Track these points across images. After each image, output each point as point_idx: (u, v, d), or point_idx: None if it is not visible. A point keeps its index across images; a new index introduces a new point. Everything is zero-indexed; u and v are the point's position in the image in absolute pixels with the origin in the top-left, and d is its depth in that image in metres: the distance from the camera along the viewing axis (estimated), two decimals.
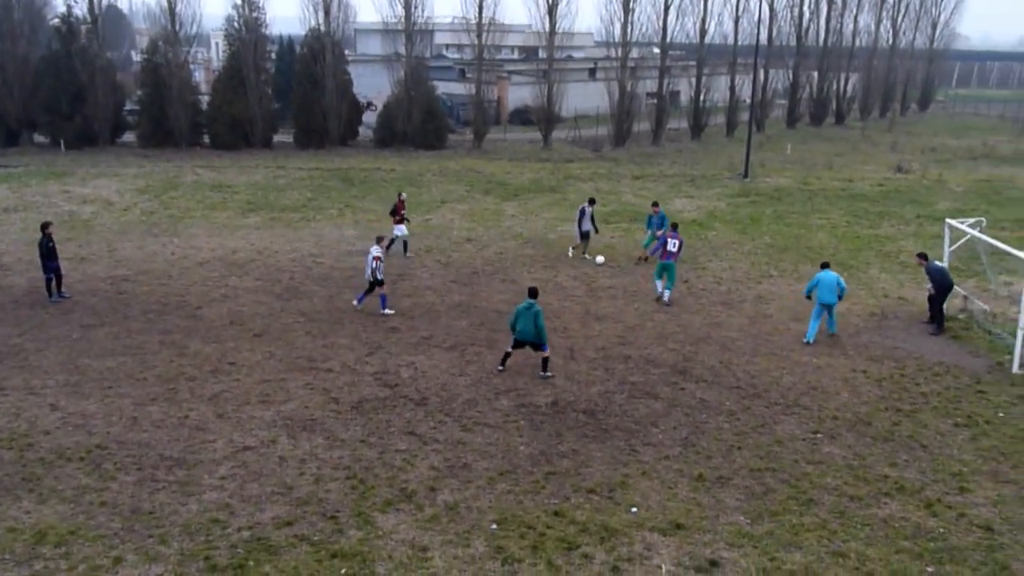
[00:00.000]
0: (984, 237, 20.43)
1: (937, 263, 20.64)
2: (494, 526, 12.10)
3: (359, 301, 21.15)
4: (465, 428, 15.06)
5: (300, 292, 22.82)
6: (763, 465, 13.93)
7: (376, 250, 20.84)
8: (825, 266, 20.23)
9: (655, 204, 27.47)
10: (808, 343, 19.36)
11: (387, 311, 20.94)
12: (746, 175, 43.39)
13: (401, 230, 26.39)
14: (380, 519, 12.24)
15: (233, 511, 12.40)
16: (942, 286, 20.15)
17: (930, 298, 20.60)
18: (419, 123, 52.44)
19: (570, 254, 26.68)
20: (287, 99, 53.75)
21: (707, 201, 36.96)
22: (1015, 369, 17.89)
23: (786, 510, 12.64)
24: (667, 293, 22.22)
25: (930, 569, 11.30)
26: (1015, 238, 29.18)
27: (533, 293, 17.36)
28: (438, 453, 14.14)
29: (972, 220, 21.78)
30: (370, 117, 56.43)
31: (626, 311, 21.70)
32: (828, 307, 19.72)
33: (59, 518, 12.15)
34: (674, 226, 23.16)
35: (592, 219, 26.44)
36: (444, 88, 59.28)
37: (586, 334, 19.91)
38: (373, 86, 57.72)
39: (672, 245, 22.28)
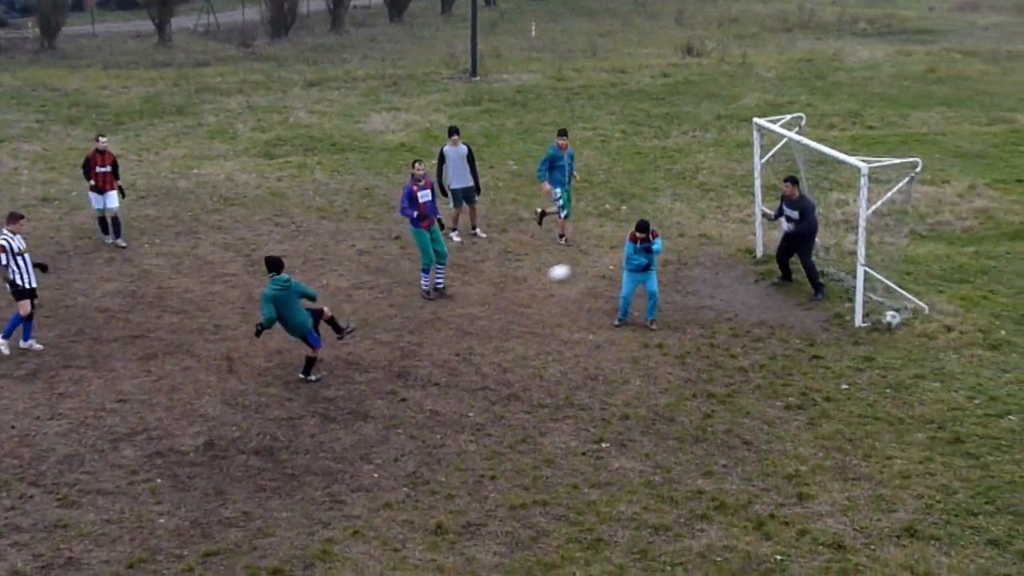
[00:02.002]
0: (806, 140, 22.20)
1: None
2: None
3: (25, 338, 19.44)
4: (65, 502, 14.57)
5: None
6: (529, 498, 14.51)
7: (3, 237, 19.20)
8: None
9: (563, 133, 24.89)
10: (620, 320, 20.04)
11: (27, 343, 19.42)
12: (475, 72, 44.53)
13: (103, 202, 24.36)
14: None
15: None
16: (814, 228, 21.31)
17: (788, 245, 21.50)
18: None
19: (455, 238, 24.58)
20: None
21: (420, 115, 37.69)
22: (858, 322, 19.78)
23: (566, 559, 13.25)
24: (439, 275, 21.58)
25: None
26: (847, 138, 32.20)
27: (275, 264, 17.37)
28: (22, 548, 13.59)
29: (789, 117, 23.59)
30: None
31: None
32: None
33: None
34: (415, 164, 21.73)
35: (473, 164, 24.81)
36: None
37: (251, 332, 19.69)
38: None
39: (425, 195, 21.15)
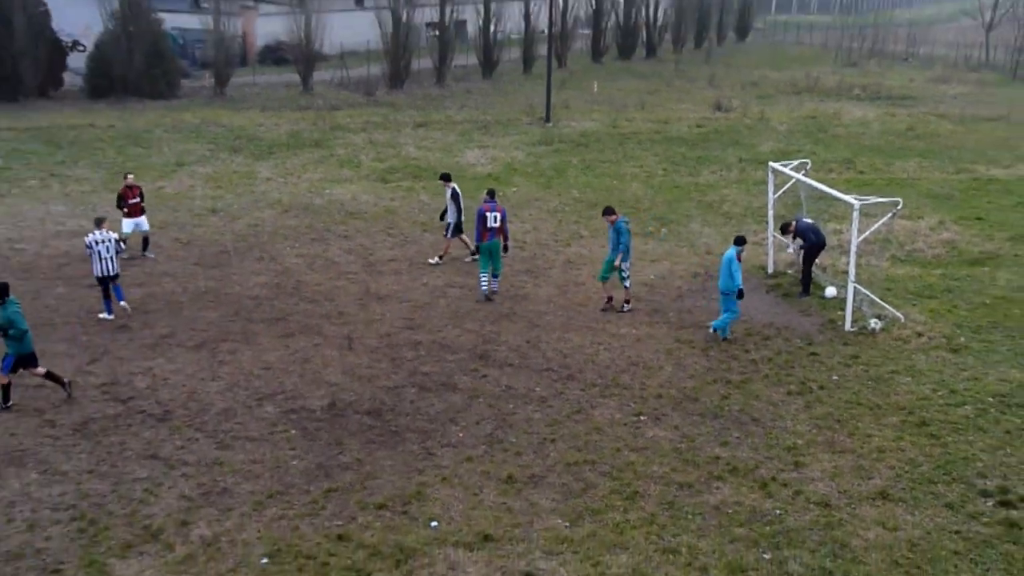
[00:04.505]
0: (810, 181, 22.04)
1: (806, 220, 21.74)
2: (265, 560, 11.99)
3: (120, 298, 19.86)
4: (222, 444, 14.76)
5: None
6: (581, 458, 14.48)
7: (90, 236, 19.67)
8: (738, 242, 19.06)
9: (609, 211, 20.52)
10: (723, 338, 18.98)
11: (103, 315, 19.83)
12: (548, 119, 44.56)
13: (136, 226, 23.73)
14: (119, 567, 11.82)
15: None
16: (816, 244, 21.26)
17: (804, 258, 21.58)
18: (143, 66, 50.21)
19: (434, 261, 23.60)
20: None
21: (504, 151, 37.73)
22: (847, 327, 19.49)
23: (609, 507, 13.22)
24: (495, 282, 21.33)
25: (767, 556, 12.20)
26: (842, 180, 31.77)
27: (4, 290, 15.81)
28: (189, 478, 13.78)
29: (796, 162, 23.39)
30: (77, 60, 53.40)
31: (414, 288, 21.86)
32: (721, 295, 19.06)
33: None
34: (491, 193, 21.75)
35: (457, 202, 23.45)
36: (173, 21, 56.95)
37: (366, 318, 19.92)
38: (79, 20, 54.49)
39: (493, 219, 20.88)
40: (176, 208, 28.28)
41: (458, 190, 23.62)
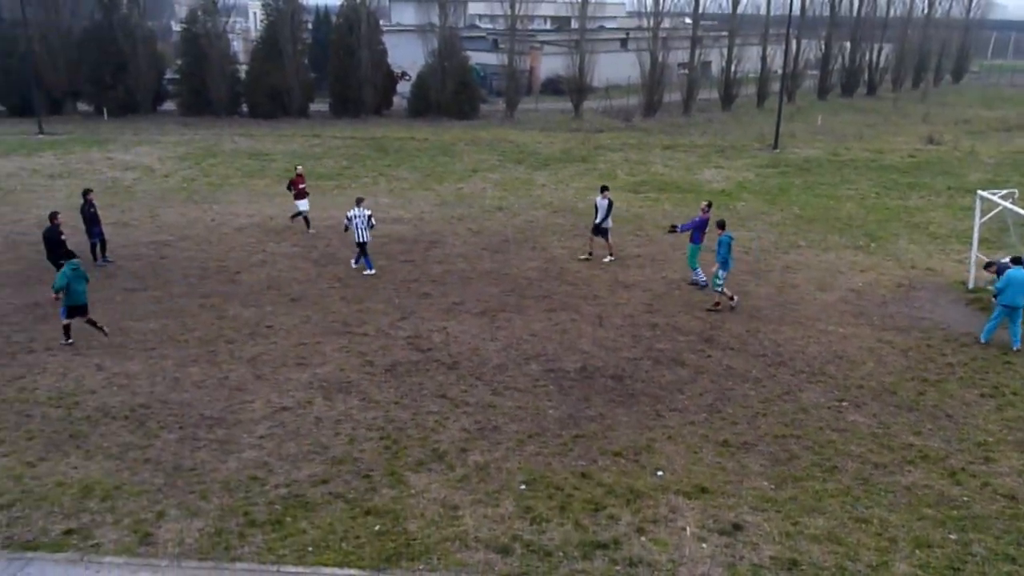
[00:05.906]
0: (1017, 209, 20.02)
1: (1004, 260, 19.43)
2: (523, 486, 12.20)
3: (368, 267, 21.63)
4: (495, 392, 15.14)
5: (336, 258, 22.96)
6: (788, 432, 13.89)
7: (351, 212, 21.60)
8: (1016, 262, 17.47)
9: (721, 225, 19.53)
10: (982, 342, 17.59)
11: (365, 269, 21.54)
12: (776, 146, 42.85)
13: (303, 205, 25.24)
14: (412, 478, 12.39)
15: (271, 469, 12.61)
16: None
17: None
18: (452, 93, 52.25)
19: (606, 260, 22.96)
20: (323, 69, 53.81)
21: (736, 172, 36.59)
22: None
23: (810, 476, 12.61)
24: (699, 272, 20.97)
25: (952, 536, 11.25)
26: None
27: (70, 254, 17.06)
28: (469, 415, 14.24)
29: (1004, 191, 21.31)
30: (404, 87, 56.31)
31: (654, 279, 21.62)
32: (1012, 310, 17.27)
33: (104, 473, 12.45)
34: (709, 204, 21.09)
35: (609, 212, 22.88)
36: (477, 58, 58.94)
37: (614, 302, 19.88)
38: (407, 56, 57.52)
39: (707, 227, 20.86)
40: (471, 205, 29.24)
41: (612, 200, 23.22)
